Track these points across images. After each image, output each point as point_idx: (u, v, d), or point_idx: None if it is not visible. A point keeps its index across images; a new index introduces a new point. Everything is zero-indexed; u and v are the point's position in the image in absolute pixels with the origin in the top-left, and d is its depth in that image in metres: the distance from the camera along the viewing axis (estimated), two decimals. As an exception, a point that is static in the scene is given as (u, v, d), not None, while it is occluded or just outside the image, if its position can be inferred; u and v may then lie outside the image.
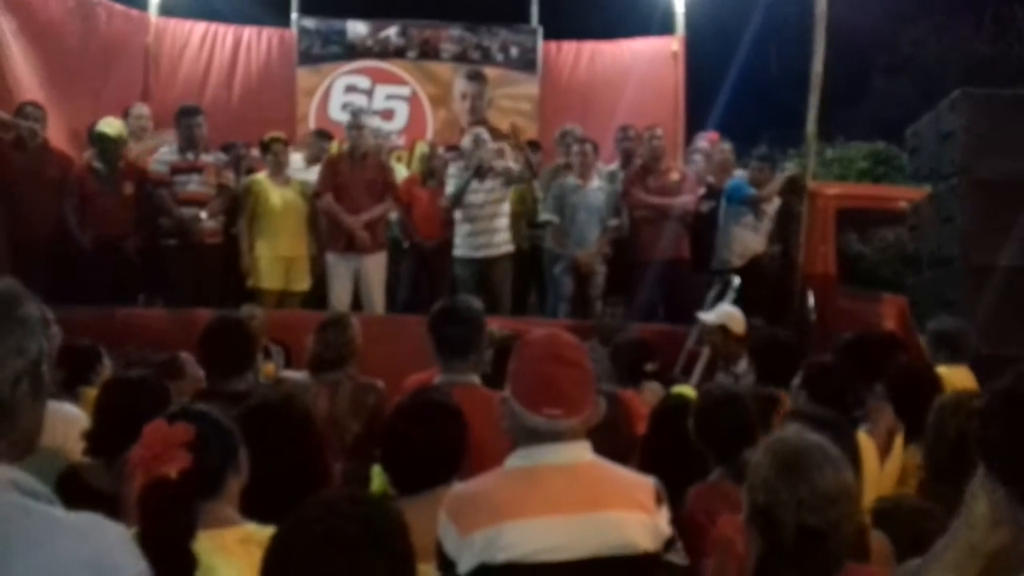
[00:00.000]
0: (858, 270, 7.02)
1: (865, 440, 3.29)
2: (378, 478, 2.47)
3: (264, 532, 1.93)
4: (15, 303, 1.28)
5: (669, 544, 1.99)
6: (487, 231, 6.64)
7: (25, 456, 1.30)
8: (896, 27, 13.74)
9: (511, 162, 6.82)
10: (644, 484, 2.03)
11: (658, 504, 1.99)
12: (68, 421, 2.85)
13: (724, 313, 5.02)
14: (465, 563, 1.87)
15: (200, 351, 3.43)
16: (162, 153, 6.61)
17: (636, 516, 1.94)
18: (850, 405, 3.34)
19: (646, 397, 3.85)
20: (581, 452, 2.00)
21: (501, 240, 6.68)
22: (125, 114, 7.17)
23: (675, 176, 6.92)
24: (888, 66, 14.34)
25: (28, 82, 6.86)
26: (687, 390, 3.47)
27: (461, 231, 6.69)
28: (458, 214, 6.68)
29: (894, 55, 14.25)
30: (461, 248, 6.70)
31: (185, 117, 6.58)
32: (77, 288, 5.98)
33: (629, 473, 2.09)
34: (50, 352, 1.33)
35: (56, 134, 6.85)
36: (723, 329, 4.94)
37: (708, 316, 5.11)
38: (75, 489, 2.35)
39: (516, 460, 1.99)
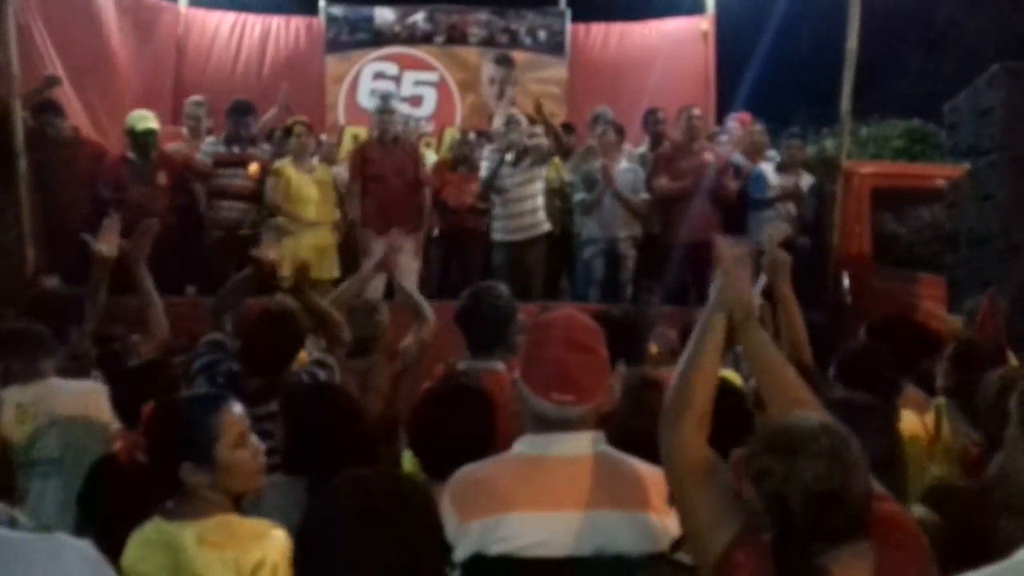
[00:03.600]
0: (894, 250, 6.89)
1: (913, 420, 3.25)
2: (409, 462, 2.48)
3: (243, 524, 1.98)
4: None
5: (677, 545, 1.88)
6: (520, 214, 6.64)
7: None
8: (932, 2, 13.46)
9: (541, 139, 6.77)
10: (657, 480, 1.91)
11: (670, 502, 1.89)
12: (99, 393, 2.94)
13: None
14: (462, 550, 1.83)
15: (246, 343, 3.41)
16: (208, 143, 6.70)
17: (639, 516, 1.86)
18: (888, 389, 3.28)
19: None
20: (590, 444, 1.92)
21: (535, 221, 6.66)
22: (174, 108, 7.28)
23: (708, 157, 6.82)
24: (924, 42, 14.06)
25: (60, 74, 6.93)
26: (732, 375, 3.43)
27: (497, 215, 6.70)
28: (494, 198, 6.68)
29: (930, 30, 13.96)
30: (497, 232, 6.71)
31: (236, 115, 6.65)
32: (121, 278, 6.05)
33: (642, 468, 1.96)
34: None
35: (88, 124, 6.93)
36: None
37: None
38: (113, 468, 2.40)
39: (523, 447, 1.94)
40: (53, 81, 6.42)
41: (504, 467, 1.94)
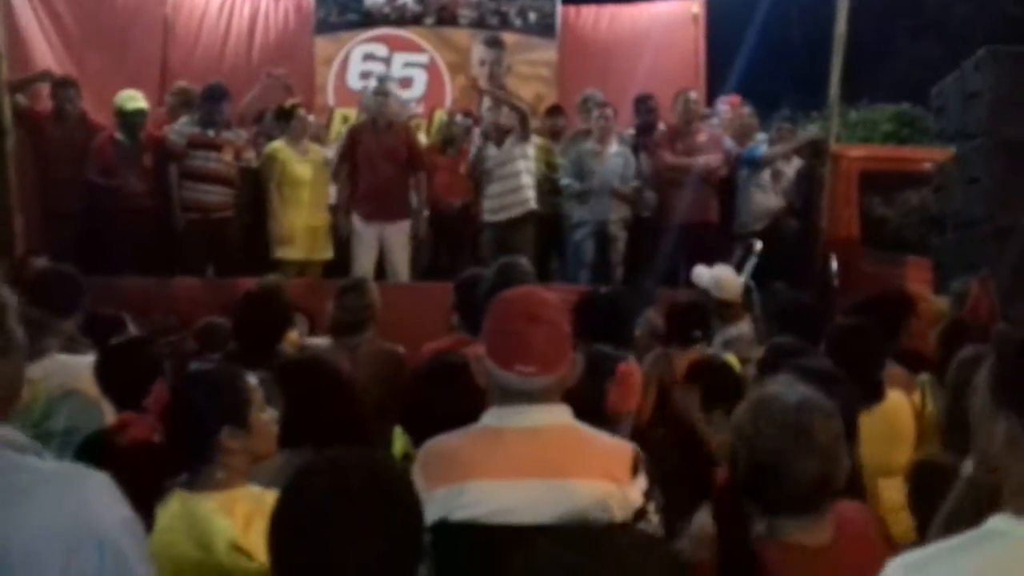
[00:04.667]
0: (882, 233, 6.94)
1: (901, 400, 3.30)
2: (399, 440, 2.51)
3: (264, 494, 1.99)
4: None
5: (639, 515, 1.92)
6: (504, 192, 6.62)
7: (6, 408, 1.34)
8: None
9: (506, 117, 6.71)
10: (620, 452, 1.97)
11: (633, 474, 1.93)
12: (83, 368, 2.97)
13: (713, 276, 4.83)
14: (428, 516, 1.82)
15: (236, 319, 3.46)
16: (182, 123, 6.61)
17: (600, 485, 1.89)
18: (875, 368, 3.33)
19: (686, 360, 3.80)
20: (554, 415, 1.96)
21: (521, 199, 6.63)
22: (162, 89, 7.21)
23: (703, 138, 6.84)
24: (913, 26, 14.09)
25: (49, 55, 6.90)
26: (732, 359, 3.46)
27: (484, 195, 6.71)
28: (482, 180, 6.69)
29: (919, 15, 13.99)
30: (485, 213, 6.72)
31: (211, 102, 6.55)
32: (103, 257, 6.05)
33: (606, 440, 2.02)
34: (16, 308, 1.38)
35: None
36: (706, 292, 4.75)
37: (702, 273, 4.92)
38: (102, 449, 2.42)
39: (488, 419, 1.97)
40: (45, 76, 6.40)
41: (470, 437, 1.98)
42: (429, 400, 2.35)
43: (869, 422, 3.20)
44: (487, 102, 6.78)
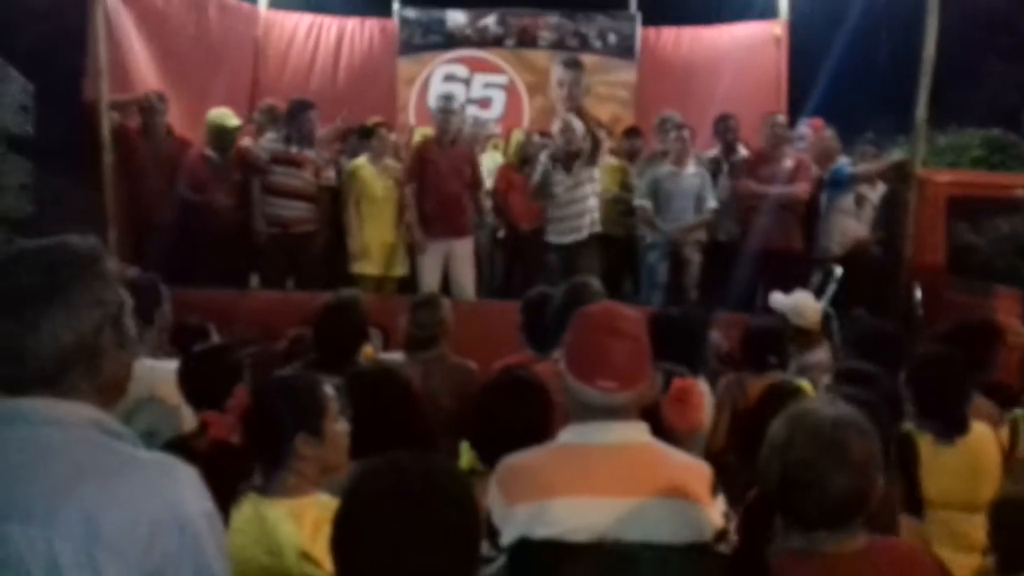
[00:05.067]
0: (970, 261, 6.70)
1: (987, 433, 3.20)
2: (466, 454, 2.53)
3: (332, 502, 2.04)
4: (95, 260, 1.42)
5: (720, 536, 1.91)
6: (571, 216, 6.63)
7: (114, 401, 1.45)
8: (1013, 9, 13.04)
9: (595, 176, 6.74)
10: (700, 472, 1.96)
11: (713, 494, 1.92)
12: (165, 374, 3.06)
13: (792, 303, 4.74)
14: (508, 534, 1.87)
15: (316, 329, 3.56)
16: (267, 139, 6.78)
17: (684, 505, 1.88)
18: (959, 399, 3.23)
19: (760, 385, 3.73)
20: (634, 433, 1.95)
21: (586, 223, 6.64)
22: (251, 108, 7.43)
23: (789, 163, 6.70)
24: (1004, 50, 13.63)
25: (147, 73, 7.19)
26: (806, 385, 3.41)
27: (550, 217, 6.74)
28: (547, 203, 6.70)
29: (1011, 38, 13.53)
30: (551, 235, 6.74)
31: (298, 111, 6.72)
32: (190, 270, 6.26)
33: (686, 459, 2.01)
34: (130, 307, 1.47)
35: (172, 124, 7.17)
36: (783, 318, 4.62)
37: (780, 300, 4.82)
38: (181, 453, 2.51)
39: (568, 436, 1.97)
40: (144, 99, 6.65)
41: (550, 454, 1.98)
42: (496, 414, 2.37)
43: (952, 456, 3.11)
44: (558, 124, 6.79)
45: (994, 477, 3.14)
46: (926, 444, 3.14)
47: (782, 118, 6.96)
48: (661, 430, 2.15)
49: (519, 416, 2.31)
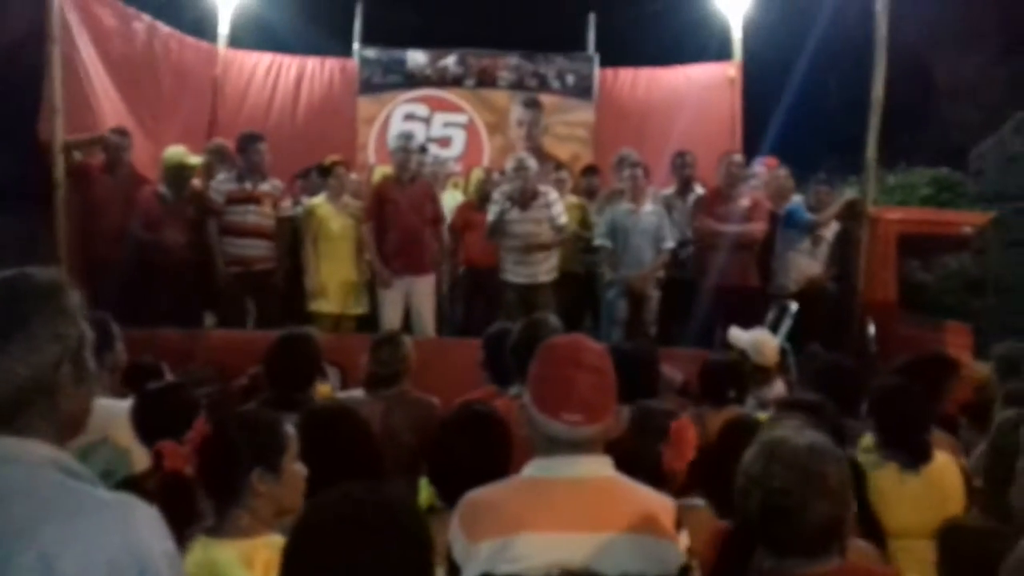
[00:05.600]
0: (921, 296, 6.86)
1: (949, 461, 3.24)
2: (425, 490, 2.50)
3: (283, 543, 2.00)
4: (55, 292, 1.38)
5: (684, 571, 1.90)
6: (530, 261, 6.64)
7: (71, 438, 1.40)
8: (958, 52, 13.50)
9: (561, 213, 6.72)
10: (664, 506, 1.94)
11: (677, 528, 1.91)
12: (118, 414, 3.00)
13: (752, 339, 4.73)
14: (470, 571, 1.84)
15: (268, 365, 3.53)
16: (219, 181, 6.71)
17: (649, 539, 1.87)
18: (922, 428, 3.28)
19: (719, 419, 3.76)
20: (599, 467, 1.93)
21: (546, 268, 6.68)
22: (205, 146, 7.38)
23: (745, 202, 6.82)
24: (951, 91, 14.08)
25: (106, 110, 7.13)
26: (761, 416, 3.42)
27: (506, 256, 6.72)
28: (503, 240, 6.68)
29: (957, 80, 13.99)
30: (507, 272, 6.72)
31: (248, 143, 6.69)
32: (144, 309, 6.16)
33: (650, 493, 1.98)
34: (92, 340, 1.42)
35: (133, 160, 7.10)
36: (743, 354, 4.61)
37: (740, 336, 4.82)
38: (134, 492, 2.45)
39: (532, 470, 1.94)
40: (100, 140, 6.59)
41: (513, 489, 1.95)
42: (454, 449, 2.34)
43: (917, 484, 3.14)
44: (512, 162, 6.80)
45: (958, 505, 3.18)
46: (891, 473, 3.17)
47: (739, 157, 7.09)
48: (642, 470, 2.13)
49: (477, 451, 2.29)
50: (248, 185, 6.62)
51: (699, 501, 2.50)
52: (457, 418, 2.50)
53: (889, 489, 3.14)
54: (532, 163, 6.73)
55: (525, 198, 6.57)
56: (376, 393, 3.65)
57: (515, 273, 6.69)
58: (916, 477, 3.16)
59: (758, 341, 4.70)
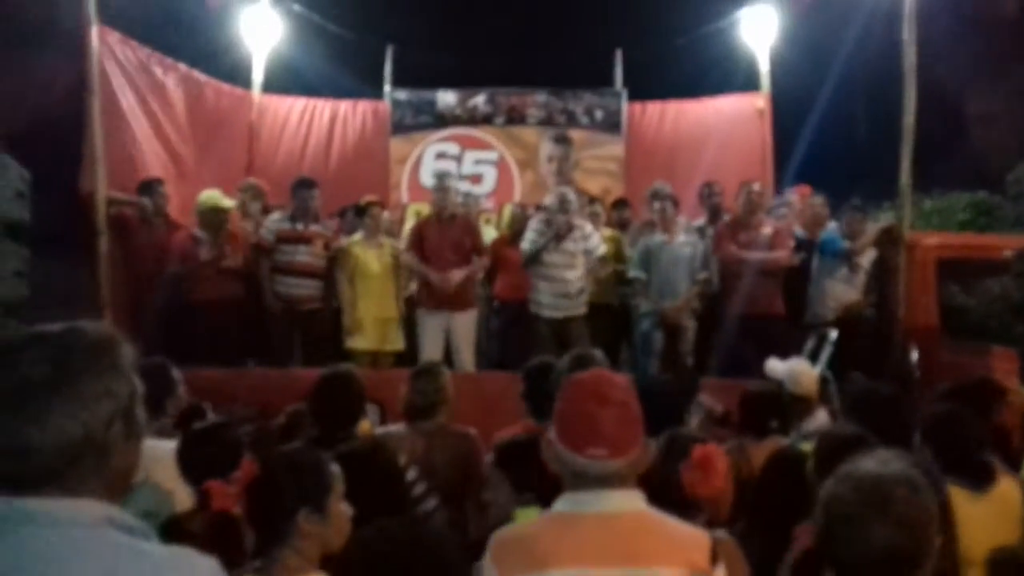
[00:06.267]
0: (964, 322, 6.73)
1: (1012, 484, 3.16)
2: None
3: None
4: (108, 348, 1.34)
5: None
6: (564, 293, 6.64)
7: (121, 493, 1.36)
8: (988, 77, 13.42)
9: (599, 244, 6.76)
10: (699, 540, 1.92)
11: (713, 562, 1.89)
12: (161, 455, 3.01)
13: (789, 369, 4.68)
14: None
15: (312, 404, 3.55)
16: (272, 221, 6.90)
17: (681, 573, 1.85)
18: (979, 451, 3.21)
19: (763, 451, 3.70)
20: (629, 501, 1.92)
21: (578, 302, 6.68)
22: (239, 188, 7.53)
23: (767, 230, 6.81)
24: (983, 116, 13.97)
25: (148, 159, 7.31)
26: (806, 446, 3.37)
27: (539, 288, 6.72)
28: (536, 271, 6.71)
29: (989, 104, 13.88)
30: (539, 306, 6.71)
31: (301, 189, 6.88)
32: (189, 351, 6.23)
33: (683, 527, 1.97)
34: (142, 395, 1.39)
35: (173, 206, 7.25)
36: (781, 385, 4.53)
37: (777, 367, 4.77)
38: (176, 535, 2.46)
39: (562, 505, 1.94)
40: (137, 203, 6.74)
41: (543, 525, 1.94)
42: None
43: (980, 507, 3.05)
44: (554, 197, 6.84)
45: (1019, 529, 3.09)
46: (959, 497, 3.08)
47: (757, 185, 7.07)
48: (661, 494, 2.11)
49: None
50: (300, 226, 6.79)
51: (722, 533, 2.46)
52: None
53: (958, 512, 3.04)
54: (574, 198, 6.78)
55: (563, 231, 6.61)
56: (415, 426, 3.65)
57: (547, 307, 6.70)
58: (979, 500, 3.07)
59: (794, 371, 4.63)
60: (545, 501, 2.25)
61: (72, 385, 1.28)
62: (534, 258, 6.65)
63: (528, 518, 2.29)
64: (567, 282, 6.64)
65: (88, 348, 1.32)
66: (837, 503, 1.72)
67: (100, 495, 1.30)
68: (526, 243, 6.72)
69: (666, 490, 2.25)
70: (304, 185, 6.94)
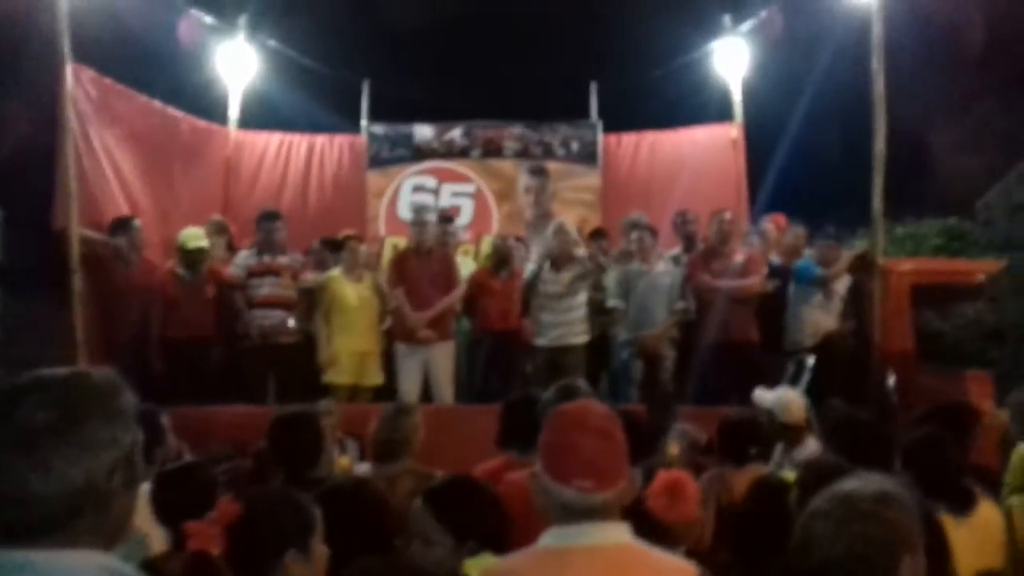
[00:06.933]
0: (938, 347, 6.80)
1: (992, 508, 3.17)
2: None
3: None
4: (113, 395, 1.31)
5: None
6: (563, 322, 6.68)
7: (118, 542, 1.33)
8: (958, 104, 13.67)
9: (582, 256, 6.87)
10: (685, 572, 1.92)
11: None
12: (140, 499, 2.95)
13: (777, 398, 4.67)
14: None
15: (270, 447, 3.50)
16: (241, 257, 6.93)
17: None
18: (958, 476, 3.22)
19: (743, 479, 3.69)
20: (615, 534, 1.90)
21: (577, 331, 6.71)
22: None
23: (739, 258, 6.88)
24: (955, 143, 14.22)
25: (121, 195, 7.26)
26: (788, 475, 3.37)
27: (538, 319, 6.77)
28: (535, 302, 6.76)
29: (960, 132, 14.14)
30: (537, 336, 6.76)
31: (265, 221, 6.91)
32: (166, 390, 6.15)
33: (670, 560, 1.97)
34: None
35: (145, 243, 7.20)
36: (770, 414, 4.54)
37: (765, 396, 4.78)
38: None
39: (548, 539, 1.92)
40: (110, 245, 6.70)
41: (531, 559, 1.92)
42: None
43: (963, 532, 3.05)
44: (553, 227, 6.92)
45: (1001, 552, 3.10)
46: (942, 522, 3.08)
47: (728, 214, 7.16)
48: (648, 526, 2.10)
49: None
50: (267, 258, 6.80)
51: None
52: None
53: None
54: (571, 227, 6.89)
55: (561, 260, 6.62)
56: (380, 468, 3.59)
57: (544, 336, 6.71)
58: (960, 525, 3.08)
59: (783, 399, 4.63)
60: (491, 546, 2.25)
61: (78, 432, 1.25)
62: (530, 286, 6.72)
63: (479, 567, 2.22)
64: (565, 313, 6.69)
65: (94, 394, 1.29)
66: (810, 514, 1.74)
67: (97, 545, 1.27)
68: (526, 272, 6.82)
69: (642, 519, 2.24)
70: (268, 218, 6.97)
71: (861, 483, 1.79)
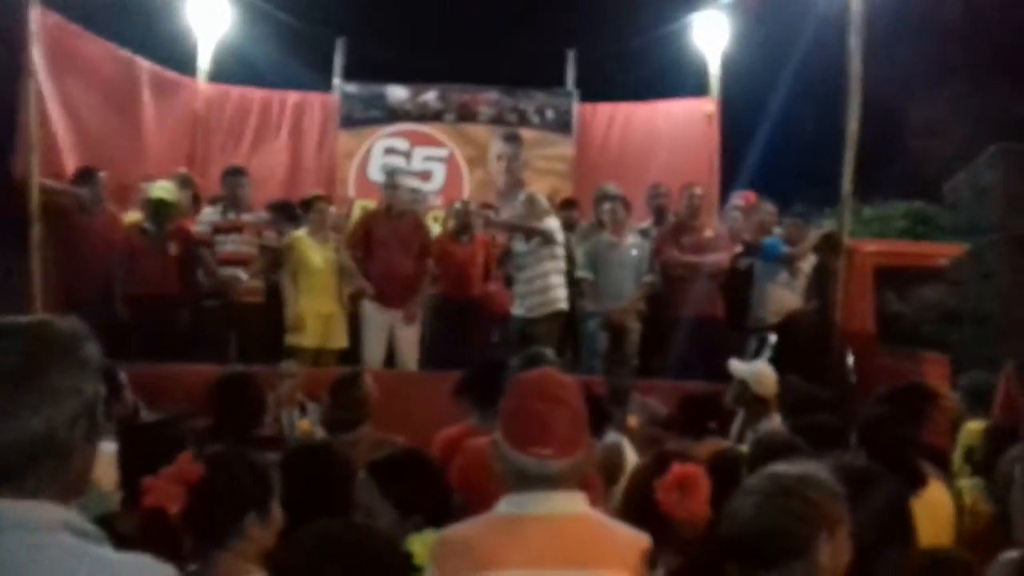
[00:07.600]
0: (898, 328, 6.90)
1: (942, 488, 3.23)
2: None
3: None
4: (77, 344, 1.28)
5: None
6: (529, 292, 6.67)
7: (77, 496, 1.30)
8: (930, 87, 13.77)
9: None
10: (636, 542, 1.94)
11: (650, 566, 1.92)
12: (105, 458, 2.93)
13: (752, 370, 4.74)
14: None
15: (214, 407, 3.47)
16: (206, 214, 6.84)
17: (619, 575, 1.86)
18: (913, 455, 3.28)
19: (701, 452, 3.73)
20: (572, 503, 1.92)
21: (550, 299, 6.67)
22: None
23: (709, 234, 6.92)
24: (924, 126, 14.34)
25: (83, 145, 7.10)
26: (744, 449, 3.41)
27: (515, 290, 6.79)
28: (511, 270, 6.80)
29: (929, 114, 14.25)
30: (513, 305, 6.77)
31: (231, 176, 6.82)
32: (126, 346, 6.09)
33: (623, 529, 1.98)
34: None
35: (112, 193, 7.07)
36: (744, 385, 4.63)
37: (740, 367, 4.84)
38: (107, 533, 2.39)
39: (505, 507, 1.93)
40: (72, 194, 6.56)
41: (486, 527, 1.93)
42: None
43: (919, 509, 3.11)
44: (523, 196, 6.90)
45: (952, 529, 3.17)
46: None
47: (699, 189, 7.18)
48: (652, 516, 2.12)
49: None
50: (231, 215, 6.70)
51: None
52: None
53: None
54: (541, 199, 6.85)
55: (530, 233, 6.63)
56: (338, 437, 3.56)
57: (518, 305, 6.73)
58: (917, 502, 3.14)
59: (758, 371, 4.70)
60: (436, 522, 2.23)
61: (40, 380, 1.22)
62: (504, 258, 6.71)
63: (424, 544, 2.18)
64: (534, 281, 6.67)
65: (57, 343, 1.25)
66: (742, 490, 1.82)
67: (57, 498, 1.24)
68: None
69: (639, 501, 2.25)
70: (233, 173, 6.88)
71: (791, 465, 1.86)
